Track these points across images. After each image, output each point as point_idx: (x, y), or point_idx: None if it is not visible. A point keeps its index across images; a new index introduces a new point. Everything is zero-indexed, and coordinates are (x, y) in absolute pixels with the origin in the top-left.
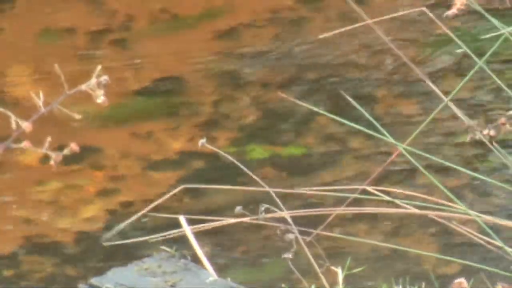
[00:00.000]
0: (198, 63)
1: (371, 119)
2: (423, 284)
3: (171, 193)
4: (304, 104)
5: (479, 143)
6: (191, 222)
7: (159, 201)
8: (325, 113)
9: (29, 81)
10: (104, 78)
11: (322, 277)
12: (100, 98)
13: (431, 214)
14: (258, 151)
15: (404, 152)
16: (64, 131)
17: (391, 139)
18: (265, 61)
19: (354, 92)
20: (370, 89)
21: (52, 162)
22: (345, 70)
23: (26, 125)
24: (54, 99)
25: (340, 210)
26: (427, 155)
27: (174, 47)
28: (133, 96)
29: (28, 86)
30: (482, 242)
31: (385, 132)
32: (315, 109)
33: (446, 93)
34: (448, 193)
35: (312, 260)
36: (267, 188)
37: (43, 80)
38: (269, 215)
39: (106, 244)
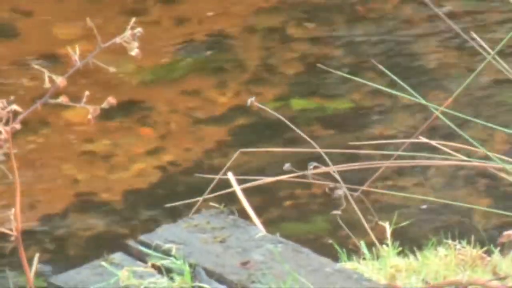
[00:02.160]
0: (245, 20)
1: (404, 85)
2: (472, 237)
3: (231, 160)
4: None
5: None
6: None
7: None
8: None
9: (75, 40)
10: (138, 30)
11: (370, 232)
12: (134, 50)
13: (483, 165)
14: (303, 104)
15: (440, 116)
16: (110, 90)
17: (428, 104)
18: (313, 16)
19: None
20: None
21: (89, 117)
22: (394, 27)
23: (61, 81)
24: (104, 57)
25: (390, 163)
26: (465, 116)
27: (221, 4)
28: (178, 53)
29: (76, 43)
30: None
31: (419, 98)
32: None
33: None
34: (487, 152)
35: (360, 215)
36: (318, 149)
37: (89, 38)
38: (317, 171)
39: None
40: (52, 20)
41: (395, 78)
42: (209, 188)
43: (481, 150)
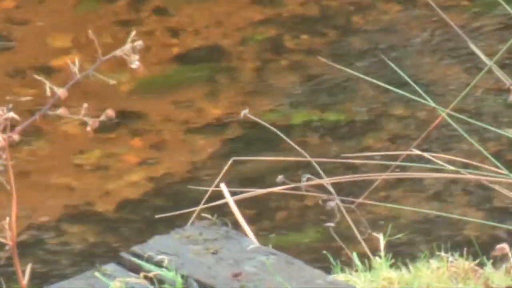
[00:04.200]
0: (238, 30)
1: (413, 84)
2: (465, 249)
3: (224, 169)
4: (347, 70)
5: None
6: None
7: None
8: (367, 78)
9: (70, 49)
10: (139, 43)
11: (363, 243)
12: (135, 63)
13: (477, 178)
14: (300, 117)
15: (446, 117)
16: (103, 100)
17: (434, 105)
18: (307, 27)
19: (399, 57)
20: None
21: (88, 129)
22: (389, 36)
23: (62, 92)
24: (97, 67)
25: (385, 176)
26: (470, 120)
27: (214, 14)
28: (173, 64)
29: (70, 54)
30: None
31: (427, 98)
32: (356, 74)
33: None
34: (491, 158)
35: (353, 227)
36: (309, 158)
37: (84, 49)
38: (311, 183)
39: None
40: (46, 30)
41: (403, 75)
42: (204, 199)
43: (474, 162)
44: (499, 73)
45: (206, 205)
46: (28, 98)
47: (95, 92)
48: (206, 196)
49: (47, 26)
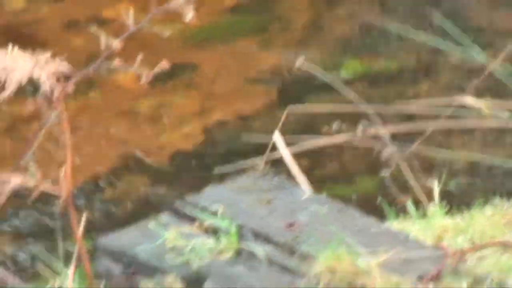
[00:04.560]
0: None
1: (464, 36)
2: None
3: (281, 121)
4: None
5: None
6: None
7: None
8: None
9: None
10: None
11: (419, 191)
12: (189, 16)
13: None
14: (353, 66)
15: (494, 70)
16: (157, 51)
17: (481, 57)
18: None
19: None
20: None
21: (143, 81)
22: None
23: (116, 43)
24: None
25: (440, 125)
26: None
27: None
28: (226, 14)
29: (122, 4)
30: None
31: (475, 49)
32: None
33: None
34: None
35: (408, 175)
36: (366, 108)
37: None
38: (367, 133)
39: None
40: None
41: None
42: (267, 152)
43: None
44: None
45: (260, 158)
46: (82, 49)
47: (148, 44)
48: (269, 149)
49: None
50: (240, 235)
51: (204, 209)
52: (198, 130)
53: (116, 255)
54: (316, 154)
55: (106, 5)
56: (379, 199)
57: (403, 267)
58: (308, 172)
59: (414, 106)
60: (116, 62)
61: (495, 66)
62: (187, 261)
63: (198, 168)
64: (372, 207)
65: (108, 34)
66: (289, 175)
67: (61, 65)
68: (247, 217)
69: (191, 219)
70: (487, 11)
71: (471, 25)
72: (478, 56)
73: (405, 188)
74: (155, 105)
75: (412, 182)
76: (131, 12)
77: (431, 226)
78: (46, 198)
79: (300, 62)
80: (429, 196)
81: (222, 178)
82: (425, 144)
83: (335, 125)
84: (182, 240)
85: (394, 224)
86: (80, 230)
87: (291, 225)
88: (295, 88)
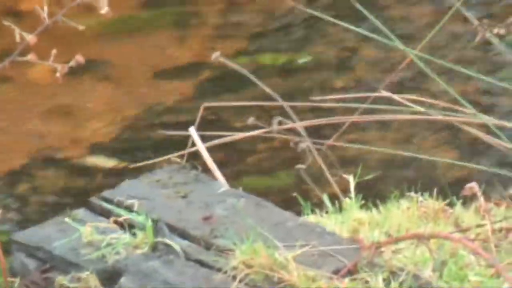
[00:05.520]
0: None
1: (381, 27)
2: (435, 190)
3: (198, 117)
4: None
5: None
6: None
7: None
8: (336, 21)
9: None
10: None
11: (335, 185)
12: (104, 8)
13: (446, 119)
14: (269, 58)
15: (415, 59)
16: (72, 45)
17: (402, 46)
18: None
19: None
20: None
21: (58, 75)
22: None
23: (31, 38)
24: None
25: (355, 118)
26: (438, 60)
27: None
28: (141, 8)
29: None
30: (495, 144)
31: (395, 39)
32: (325, 17)
33: None
34: (459, 98)
35: (324, 168)
36: (280, 102)
37: None
38: (282, 127)
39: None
40: None
41: (371, 17)
42: (173, 145)
43: (442, 102)
44: (466, 14)
45: (177, 153)
46: None
47: (63, 37)
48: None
49: None
50: (156, 230)
51: (120, 204)
52: (113, 124)
53: (32, 250)
54: (232, 149)
55: None
56: (295, 193)
57: (320, 261)
58: (225, 166)
59: (330, 100)
60: (31, 56)
61: (415, 57)
62: (103, 256)
63: (113, 162)
64: (288, 201)
65: (24, 28)
66: (206, 170)
67: None
68: (163, 211)
69: (107, 214)
70: (403, 5)
71: (390, 17)
72: (400, 46)
73: (321, 181)
74: (69, 99)
75: (328, 175)
76: (46, 5)
77: (347, 220)
78: None
79: (216, 56)
80: (345, 189)
81: (137, 172)
82: (341, 137)
83: (250, 119)
84: (98, 235)
85: (311, 218)
86: None
87: (207, 218)
88: (211, 83)
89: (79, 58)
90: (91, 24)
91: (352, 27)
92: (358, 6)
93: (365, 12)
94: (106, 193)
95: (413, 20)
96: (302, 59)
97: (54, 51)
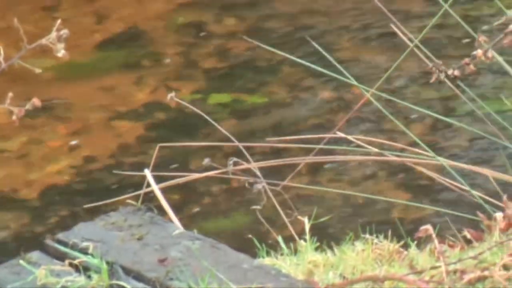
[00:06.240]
0: (164, 16)
1: (338, 65)
2: (390, 231)
3: (153, 158)
4: (272, 49)
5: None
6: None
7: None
8: (294, 58)
9: None
10: (65, 31)
11: (290, 226)
12: (61, 51)
13: (401, 160)
14: (225, 99)
15: (371, 98)
16: (29, 86)
17: (359, 86)
18: (230, 11)
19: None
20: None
21: (14, 118)
22: (310, 18)
23: None
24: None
25: (310, 159)
26: (395, 99)
27: (140, 0)
28: (97, 49)
29: None
30: (450, 186)
31: (351, 78)
32: (283, 53)
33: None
34: (417, 139)
35: (279, 210)
36: (236, 143)
37: (6, 34)
38: (237, 168)
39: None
40: None
41: (329, 57)
42: (128, 186)
43: (398, 144)
44: (421, 55)
45: (131, 194)
46: None
47: (19, 79)
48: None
49: None
50: (111, 272)
51: (74, 246)
52: (68, 166)
53: None
54: (188, 189)
55: None
56: (251, 234)
57: None
58: (180, 207)
59: (285, 141)
60: None
61: (370, 97)
62: None
63: (68, 205)
64: (244, 243)
65: None
66: (162, 211)
67: None
68: (119, 254)
69: (62, 257)
70: (349, 45)
71: (341, 58)
72: (356, 84)
73: (276, 222)
74: (24, 141)
75: (283, 216)
76: (1, 47)
77: (302, 262)
78: None
79: (171, 97)
80: (300, 231)
81: (92, 214)
82: (297, 178)
83: (206, 160)
84: (53, 278)
85: (266, 260)
86: None
87: (163, 260)
88: (167, 123)
89: (36, 101)
90: (47, 66)
91: (309, 65)
92: (316, 45)
93: (324, 52)
94: (61, 235)
95: (368, 61)
96: (258, 100)
97: (10, 94)
